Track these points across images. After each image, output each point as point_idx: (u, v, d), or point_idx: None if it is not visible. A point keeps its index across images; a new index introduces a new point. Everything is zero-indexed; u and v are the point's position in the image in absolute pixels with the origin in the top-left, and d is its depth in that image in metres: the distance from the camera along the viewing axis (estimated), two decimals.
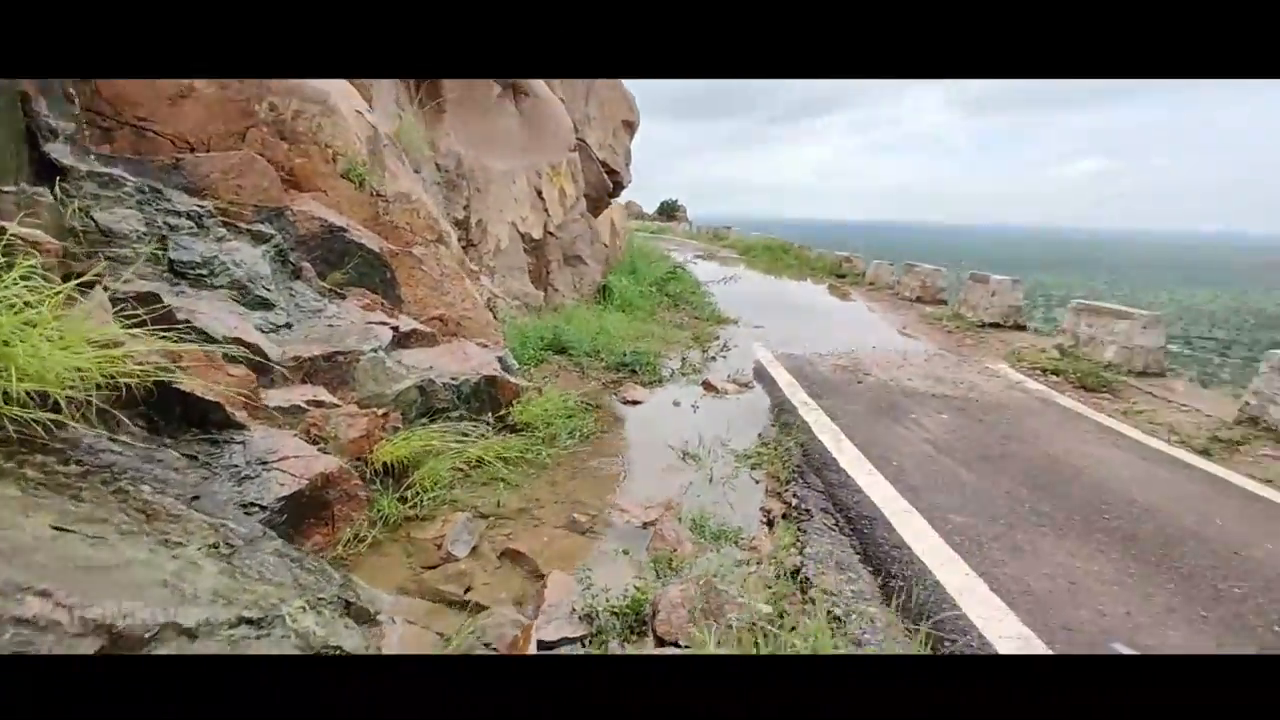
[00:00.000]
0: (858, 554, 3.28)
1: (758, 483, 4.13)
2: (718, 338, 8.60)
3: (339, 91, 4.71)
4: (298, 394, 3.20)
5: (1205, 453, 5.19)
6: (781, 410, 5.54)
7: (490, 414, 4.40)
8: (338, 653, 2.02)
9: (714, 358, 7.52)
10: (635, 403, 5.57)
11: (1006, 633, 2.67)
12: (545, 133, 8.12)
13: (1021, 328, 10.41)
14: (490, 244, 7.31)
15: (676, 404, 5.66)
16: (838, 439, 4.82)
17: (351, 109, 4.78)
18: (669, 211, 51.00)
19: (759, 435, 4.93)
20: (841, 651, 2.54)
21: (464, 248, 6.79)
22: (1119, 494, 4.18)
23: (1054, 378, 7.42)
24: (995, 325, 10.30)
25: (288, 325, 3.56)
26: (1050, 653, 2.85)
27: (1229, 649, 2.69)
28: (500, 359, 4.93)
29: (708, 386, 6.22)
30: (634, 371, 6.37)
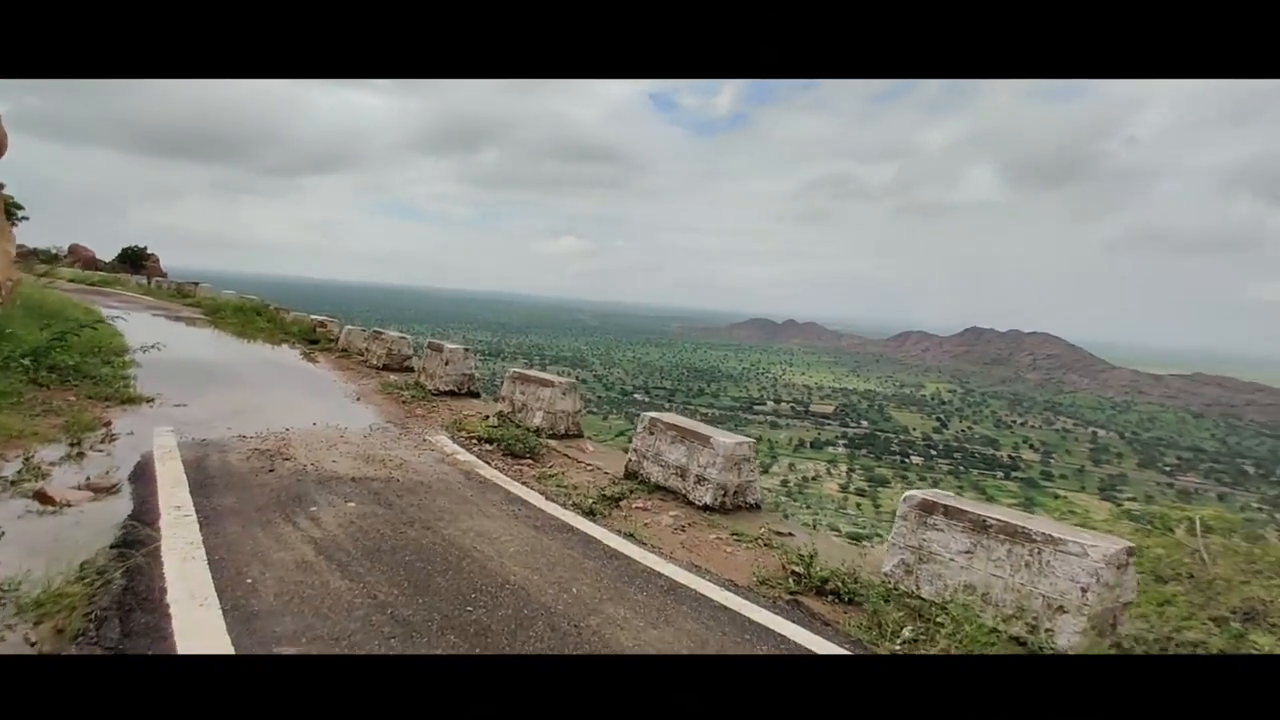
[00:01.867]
0: None
1: (33, 644, 3.09)
2: (109, 424, 6.86)
3: None
4: None
5: (591, 513, 5.77)
6: (138, 523, 4.47)
7: None
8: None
9: (83, 454, 5.89)
10: None
11: None
12: None
13: (475, 395, 11.07)
14: None
15: None
16: (189, 557, 4.03)
17: None
18: (135, 260, 42.41)
19: (81, 565, 3.82)
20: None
21: None
22: (495, 576, 4.28)
23: (488, 446, 7.86)
24: (451, 393, 10.72)
25: None
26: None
27: None
28: None
29: (43, 498, 4.73)
30: None
